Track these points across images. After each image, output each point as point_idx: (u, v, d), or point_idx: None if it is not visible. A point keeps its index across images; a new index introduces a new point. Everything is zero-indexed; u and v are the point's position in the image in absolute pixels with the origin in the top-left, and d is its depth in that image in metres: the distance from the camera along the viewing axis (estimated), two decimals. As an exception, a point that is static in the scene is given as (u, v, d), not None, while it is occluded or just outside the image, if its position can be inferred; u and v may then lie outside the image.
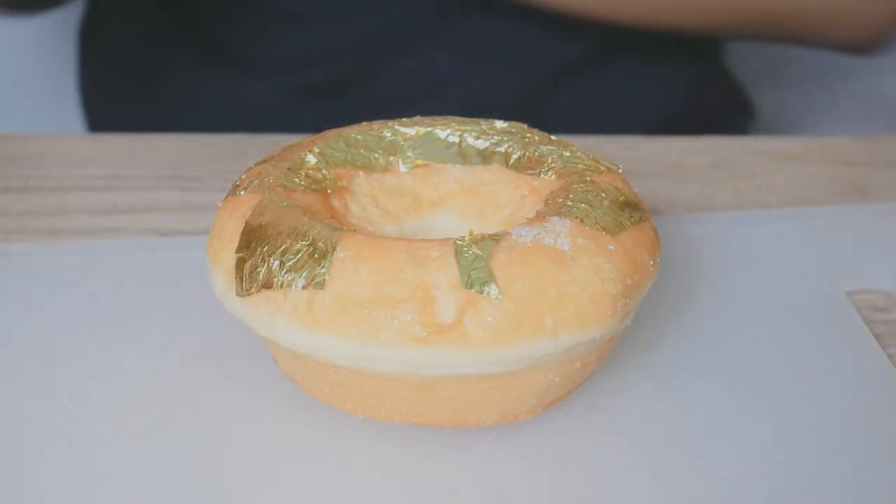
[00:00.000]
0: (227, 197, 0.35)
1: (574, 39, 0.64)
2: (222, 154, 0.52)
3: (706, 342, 0.37)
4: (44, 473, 0.32)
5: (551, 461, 0.32)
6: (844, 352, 0.37)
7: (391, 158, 0.38)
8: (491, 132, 0.38)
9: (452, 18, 0.63)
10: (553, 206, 0.33)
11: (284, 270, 0.31)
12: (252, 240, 0.32)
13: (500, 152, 0.37)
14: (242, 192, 0.34)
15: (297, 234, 0.31)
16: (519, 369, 0.31)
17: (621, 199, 0.34)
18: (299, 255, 0.31)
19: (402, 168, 0.38)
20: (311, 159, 0.36)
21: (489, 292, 0.30)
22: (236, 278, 0.32)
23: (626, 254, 0.32)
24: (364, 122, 0.39)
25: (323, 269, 0.30)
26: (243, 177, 0.36)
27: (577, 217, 0.32)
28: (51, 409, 0.34)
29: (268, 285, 0.31)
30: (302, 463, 0.32)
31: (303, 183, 0.35)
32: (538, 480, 0.31)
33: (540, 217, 0.33)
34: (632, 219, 0.33)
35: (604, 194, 0.34)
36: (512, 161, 0.37)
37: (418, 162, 0.38)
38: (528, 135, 0.38)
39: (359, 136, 0.38)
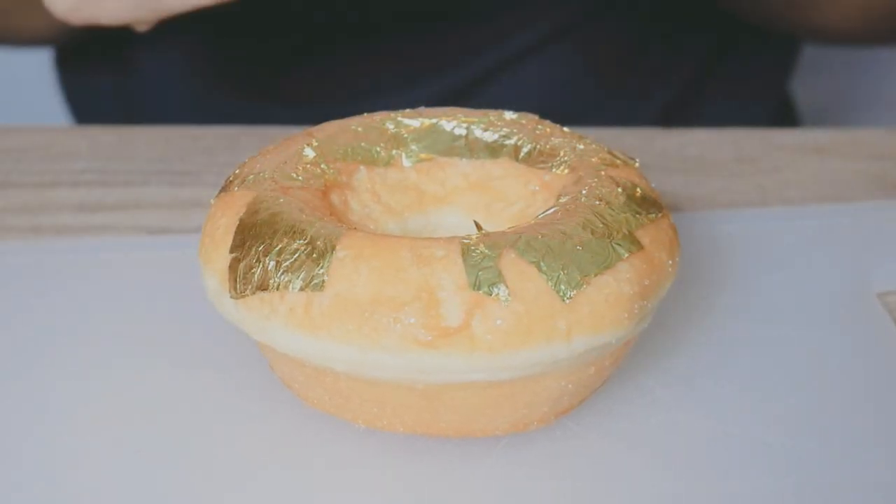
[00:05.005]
0: (219, 193, 0.35)
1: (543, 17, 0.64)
2: (215, 147, 0.52)
3: (727, 346, 0.37)
4: (30, 476, 0.32)
5: (565, 472, 0.32)
6: (874, 357, 0.37)
7: (394, 152, 0.38)
8: (500, 124, 0.38)
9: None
10: (566, 203, 0.33)
11: (281, 271, 0.31)
12: (246, 238, 0.32)
13: (509, 145, 0.37)
14: (236, 188, 0.35)
15: (294, 233, 0.31)
16: (530, 375, 0.31)
17: (638, 194, 0.34)
18: (297, 255, 0.31)
19: (406, 162, 0.38)
20: (309, 153, 0.36)
21: (498, 294, 0.30)
22: (230, 279, 0.32)
23: (643, 253, 0.32)
24: (365, 114, 0.39)
25: (322, 270, 0.30)
26: (237, 171, 0.36)
27: (591, 214, 0.32)
28: (36, 412, 0.34)
29: (263, 287, 0.31)
30: (299, 475, 0.32)
31: (300, 178, 0.35)
32: (551, 493, 0.31)
33: (552, 214, 0.33)
34: (650, 216, 0.33)
35: (619, 190, 0.34)
36: (522, 154, 0.37)
37: (423, 156, 0.38)
38: (539, 126, 0.38)
39: (359, 129, 0.38)
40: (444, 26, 0.63)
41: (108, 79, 0.69)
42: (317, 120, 0.39)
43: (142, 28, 0.46)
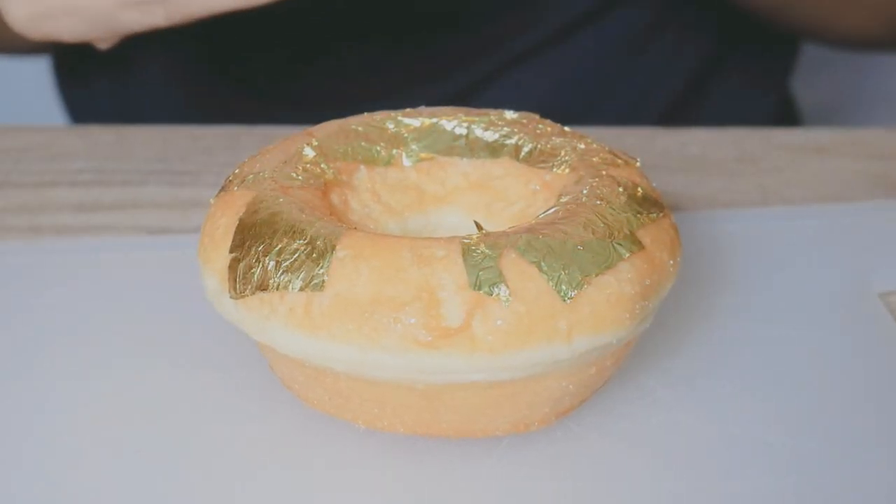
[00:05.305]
0: (219, 192, 0.35)
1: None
2: (214, 147, 0.52)
3: (729, 346, 0.37)
4: (30, 476, 0.32)
5: (565, 473, 0.32)
6: (876, 357, 0.37)
7: (394, 151, 0.38)
8: (500, 123, 0.38)
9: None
10: (567, 202, 0.33)
11: (281, 271, 0.31)
12: (246, 238, 0.32)
13: (510, 144, 0.37)
14: (236, 188, 0.35)
15: (294, 233, 0.31)
16: (531, 376, 0.31)
17: (639, 194, 0.34)
18: (296, 255, 0.31)
19: (406, 162, 0.38)
20: (309, 153, 0.36)
21: (499, 294, 0.30)
22: (229, 279, 0.32)
23: (644, 253, 0.32)
24: (365, 113, 0.39)
25: (322, 270, 0.30)
26: (237, 171, 0.36)
27: (592, 213, 0.32)
28: (36, 412, 0.34)
29: (263, 287, 0.31)
30: (299, 475, 0.32)
31: (300, 178, 0.35)
32: (552, 493, 0.31)
33: (553, 214, 0.33)
34: (651, 216, 0.34)
35: (621, 189, 0.34)
36: (523, 154, 0.37)
37: (423, 155, 0.38)
38: (540, 126, 0.38)
39: (360, 128, 0.38)
40: (445, 30, 0.63)
41: (105, 82, 0.69)
42: (316, 123, 0.39)
43: (102, 46, 0.46)
